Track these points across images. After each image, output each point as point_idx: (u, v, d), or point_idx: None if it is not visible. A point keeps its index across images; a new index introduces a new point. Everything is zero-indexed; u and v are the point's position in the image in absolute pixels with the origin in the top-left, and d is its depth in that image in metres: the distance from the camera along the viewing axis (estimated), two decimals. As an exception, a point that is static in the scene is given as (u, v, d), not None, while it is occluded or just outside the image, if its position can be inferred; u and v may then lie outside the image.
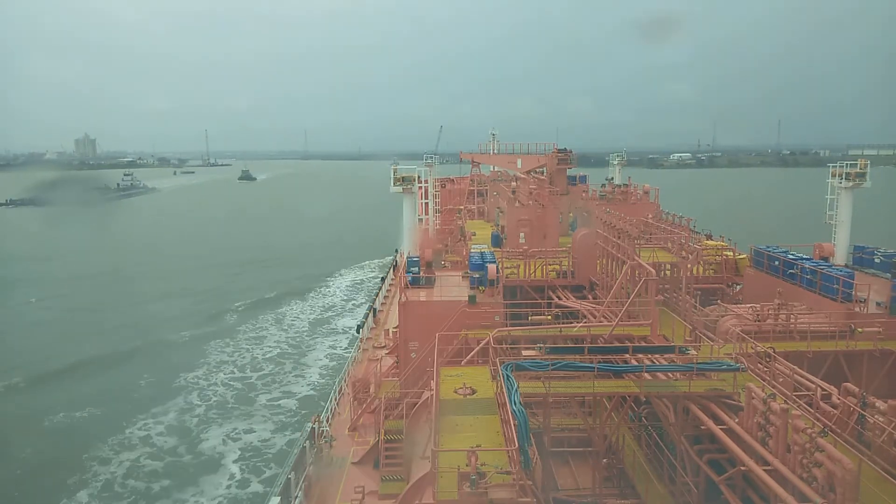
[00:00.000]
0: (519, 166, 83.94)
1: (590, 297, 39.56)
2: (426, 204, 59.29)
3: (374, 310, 55.07)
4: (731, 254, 46.01)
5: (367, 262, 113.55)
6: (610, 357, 24.54)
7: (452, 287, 34.67)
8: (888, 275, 34.88)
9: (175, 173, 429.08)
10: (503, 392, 20.73)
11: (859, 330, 29.01)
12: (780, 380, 24.25)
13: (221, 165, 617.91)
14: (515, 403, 19.20)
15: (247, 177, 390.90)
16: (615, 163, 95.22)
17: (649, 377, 22.68)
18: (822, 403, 21.97)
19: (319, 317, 79.48)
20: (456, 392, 23.11)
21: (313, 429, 29.03)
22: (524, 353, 25.96)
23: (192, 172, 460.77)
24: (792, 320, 30.43)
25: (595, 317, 32.57)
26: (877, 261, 37.12)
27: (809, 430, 16.69)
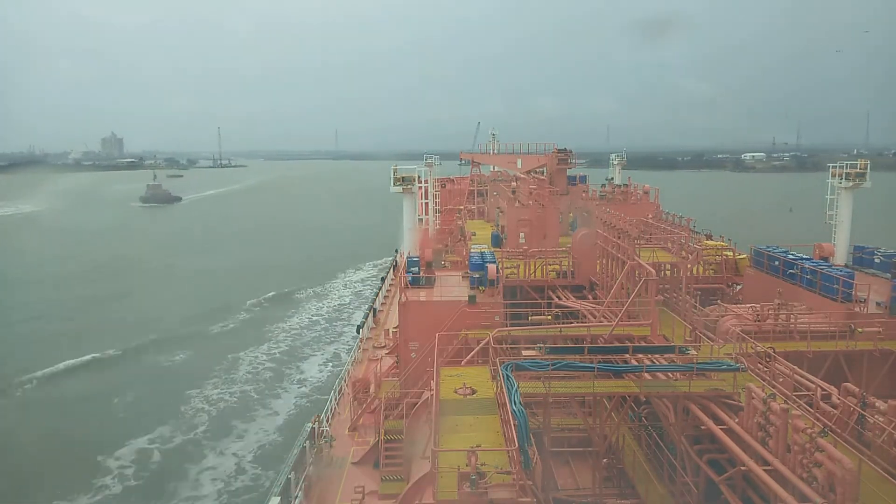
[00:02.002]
0: (519, 166, 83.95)
1: (590, 297, 39.54)
2: (426, 204, 59.29)
3: (374, 310, 55.07)
4: (731, 254, 46.01)
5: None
6: (610, 357, 24.56)
7: (452, 287, 34.64)
8: (888, 275, 34.90)
9: (155, 178, 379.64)
10: (503, 392, 20.74)
11: (859, 330, 29.02)
12: (780, 380, 24.25)
13: (235, 167, 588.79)
14: (515, 403, 19.21)
15: (158, 198, 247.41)
16: (615, 163, 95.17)
17: (649, 377, 22.69)
18: (822, 403, 21.96)
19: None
20: (456, 392, 23.11)
21: (313, 429, 29.02)
22: (524, 353, 25.99)
23: (181, 176, 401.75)
24: (792, 320, 30.43)
25: (595, 317, 32.58)
26: (877, 261, 37.16)
27: (809, 430, 16.70)
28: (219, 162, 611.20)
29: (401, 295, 32.74)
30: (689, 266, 38.42)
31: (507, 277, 39.11)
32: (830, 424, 20.16)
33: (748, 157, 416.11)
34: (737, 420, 20.08)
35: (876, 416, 20.15)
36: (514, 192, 60.54)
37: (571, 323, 33.04)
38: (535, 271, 42.22)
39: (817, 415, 21.07)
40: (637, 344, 26.67)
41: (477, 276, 33.44)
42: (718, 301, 39.19)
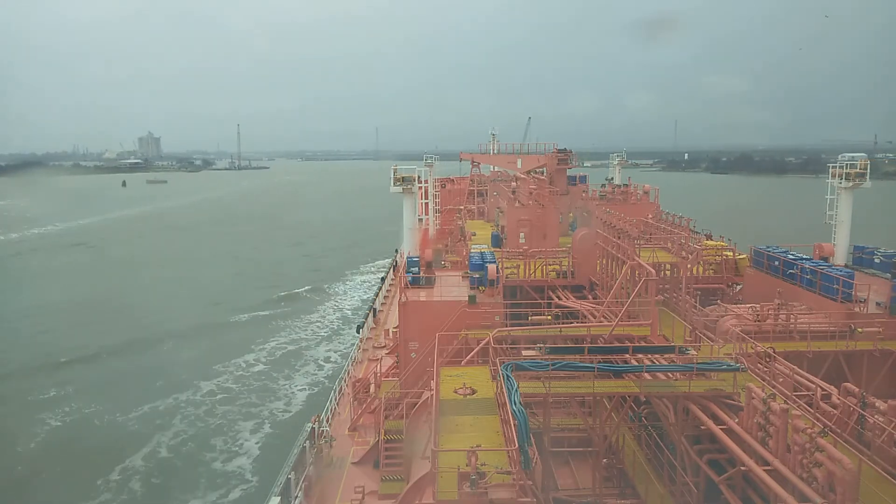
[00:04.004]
0: (519, 166, 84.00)
1: (590, 297, 39.55)
2: (426, 204, 59.34)
3: (374, 310, 55.10)
4: (731, 254, 46.01)
5: None
6: (610, 357, 24.55)
7: (452, 287, 34.64)
8: (888, 275, 34.86)
9: (124, 184, 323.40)
10: (503, 392, 20.74)
11: (859, 330, 29.03)
12: (780, 380, 24.25)
13: (255, 168, 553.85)
14: (515, 403, 19.20)
15: None
16: (615, 163, 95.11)
17: (649, 377, 22.69)
18: (822, 403, 21.98)
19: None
20: (456, 392, 23.11)
21: (313, 429, 29.02)
22: (524, 353, 25.99)
23: (164, 182, 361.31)
24: (792, 320, 30.45)
25: (595, 317, 32.58)
26: (877, 261, 37.09)
27: (809, 430, 16.69)
28: (235, 163, 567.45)
29: (401, 295, 32.73)
30: (689, 266, 38.43)
31: (507, 277, 39.12)
32: (830, 424, 20.16)
33: (847, 158, 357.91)
34: (737, 420, 20.08)
35: (876, 416, 20.15)
36: (514, 192, 60.56)
37: (571, 323, 33.03)
38: (535, 271, 42.23)
39: (817, 415, 21.08)
40: (637, 344, 26.66)
41: (477, 276, 33.44)
42: (718, 301, 39.20)
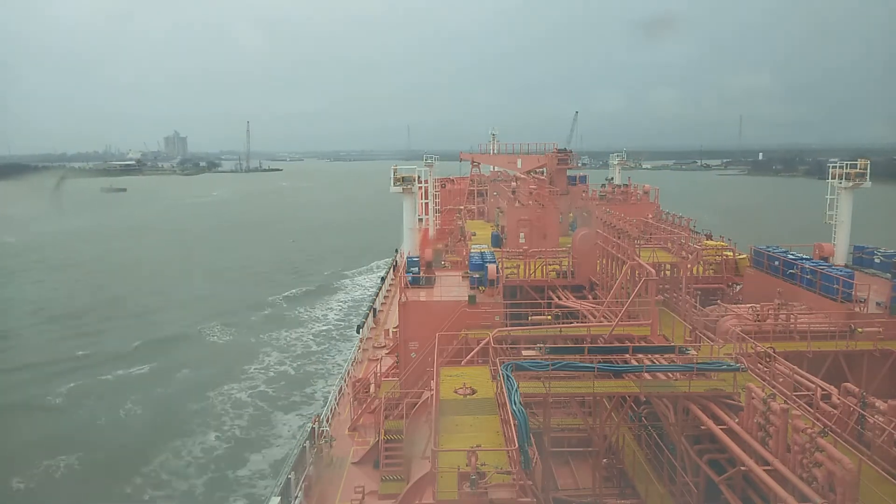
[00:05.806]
0: (519, 166, 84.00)
1: (590, 297, 39.54)
2: (426, 204, 59.38)
3: (374, 310, 55.09)
4: (731, 254, 46.01)
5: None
6: (610, 357, 24.54)
7: (452, 287, 34.64)
8: (888, 275, 34.87)
9: (58, 186, 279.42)
10: (503, 392, 20.74)
11: (859, 330, 29.03)
12: (780, 380, 24.25)
13: (266, 170, 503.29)
14: (515, 403, 19.20)
15: None
16: (615, 163, 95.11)
17: (649, 377, 22.69)
18: (822, 403, 21.97)
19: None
20: (456, 392, 23.11)
21: (313, 429, 29.03)
22: (524, 353, 25.97)
23: (124, 190, 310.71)
24: (792, 320, 30.45)
25: (595, 317, 32.58)
26: (877, 261, 37.10)
27: (809, 430, 16.69)
28: (243, 165, 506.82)
29: (401, 295, 32.73)
30: (689, 266, 38.41)
31: (507, 277, 39.09)
32: (830, 424, 20.15)
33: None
34: (737, 420, 20.08)
35: (876, 416, 20.15)
36: (514, 192, 60.56)
37: (571, 323, 33.03)
38: (535, 271, 42.21)
39: (817, 415, 21.08)
40: (637, 344, 26.66)
41: (477, 276, 33.44)
42: (718, 301, 39.19)
